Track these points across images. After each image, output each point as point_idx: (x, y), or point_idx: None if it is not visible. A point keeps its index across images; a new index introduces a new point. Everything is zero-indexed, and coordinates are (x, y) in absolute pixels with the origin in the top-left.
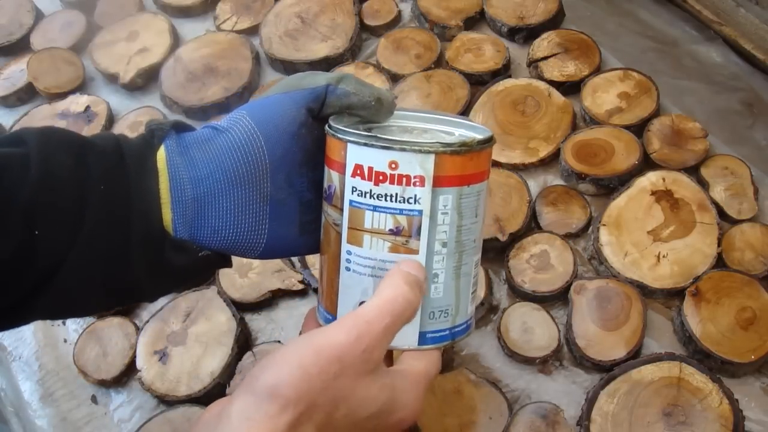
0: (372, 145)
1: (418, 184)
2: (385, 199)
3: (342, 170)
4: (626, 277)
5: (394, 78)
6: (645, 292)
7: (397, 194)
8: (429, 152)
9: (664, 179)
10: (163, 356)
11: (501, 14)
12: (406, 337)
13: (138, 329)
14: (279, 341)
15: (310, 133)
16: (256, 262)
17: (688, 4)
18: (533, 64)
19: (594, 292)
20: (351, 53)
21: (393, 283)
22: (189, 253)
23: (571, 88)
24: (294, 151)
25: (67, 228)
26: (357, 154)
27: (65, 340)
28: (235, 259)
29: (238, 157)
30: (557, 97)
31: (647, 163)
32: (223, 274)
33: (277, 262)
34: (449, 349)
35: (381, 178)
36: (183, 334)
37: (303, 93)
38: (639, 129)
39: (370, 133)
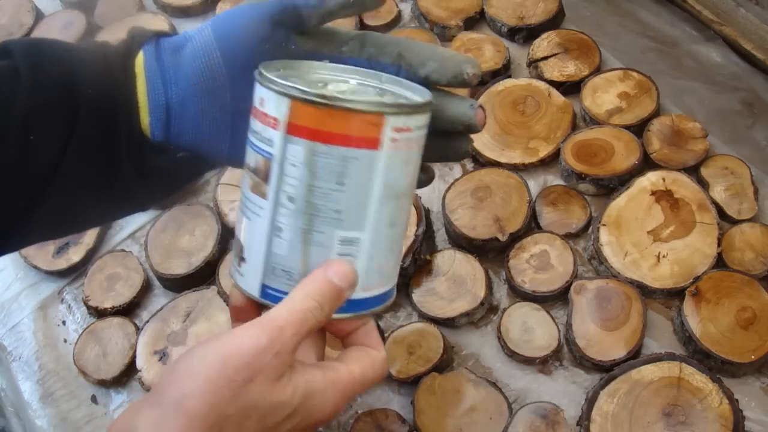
0: (257, 81)
1: (272, 125)
2: (255, 136)
3: None
4: (626, 277)
5: None
6: (645, 292)
7: (260, 132)
8: (284, 95)
9: (664, 179)
10: (163, 356)
11: (501, 14)
12: (248, 281)
13: (138, 329)
14: None
15: (277, 47)
16: None
17: (688, 4)
18: (533, 64)
19: (594, 292)
20: None
21: (307, 293)
22: (168, 155)
23: (571, 88)
24: (256, 63)
25: (60, 132)
26: (256, 89)
27: (65, 340)
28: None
29: (196, 66)
30: (557, 97)
31: (647, 163)
32: (223, 274)
33: None
34: (449, 349)
35: (255, 113)
36: (183, 334)
37: (268, 6)
38: (639, 129)
39: (260, 70)
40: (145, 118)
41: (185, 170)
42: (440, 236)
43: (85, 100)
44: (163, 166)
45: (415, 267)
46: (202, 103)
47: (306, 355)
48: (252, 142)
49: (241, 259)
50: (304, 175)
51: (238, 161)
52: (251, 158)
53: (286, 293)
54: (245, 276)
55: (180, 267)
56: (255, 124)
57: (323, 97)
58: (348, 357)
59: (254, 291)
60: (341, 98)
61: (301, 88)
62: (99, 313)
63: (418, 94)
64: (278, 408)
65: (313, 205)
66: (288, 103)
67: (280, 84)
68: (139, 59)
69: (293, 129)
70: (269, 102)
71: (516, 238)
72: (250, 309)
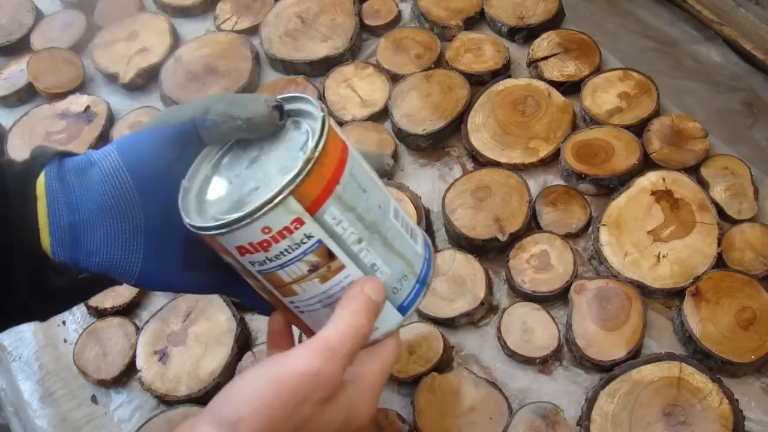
0: (237, 228)
1: (298, 226)
2: (284, 255)
3: (230, 255)
4: (626, 277)
5: (394, 78)
6: (645, 292)
7: (289, 246)
8: (285, 198)
9: (664, 179)
10: (163, 356)
11: (501, 14)
12: (389, 320)
13: (138, 329)
14: None
15: (179, 163)
16: None
17: (688, 4)
18: (533, 64)
19: (594, 292)
20: (351, 53)
21: (353, 311)
22: (69, 275)
23: (571, 88)
24: (169, 185)
25: None
26: (230, 240)
27: (65, 340)
28: None
29: (106, 190)
30: (557, 97)
31: (647, 163)
32: None
33: None
34: (449, 349)
35: (266, 245)
36: (183, 334)
37: (171, 128)
38: (639, 129)
39: (226, 219)
40: (45, 239)
41: (85, 289)
42: (440, 236)
43: None
44: (63, 285)
45: None
46: (113, 225)
47: None
48: (285, 262)
49: None
50: (349, 216)
51: (153, 285)
52: (300, 268)
53: (414, 285)
54: (380, 326)
55: None
56: (276, 249)
57: (308, 161)
58: (365, 357)
59: (397, 321)
60: (315, 144)
61: (290, 178)
62: (99, 313)
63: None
64: (327, 426)
65: (371, 223)
66: (293, 198)
67: (273, 196)
68: (41, 181)
69: (315, 204)
70: (276, 219)
71: (516, 238)
72: (285, 333)
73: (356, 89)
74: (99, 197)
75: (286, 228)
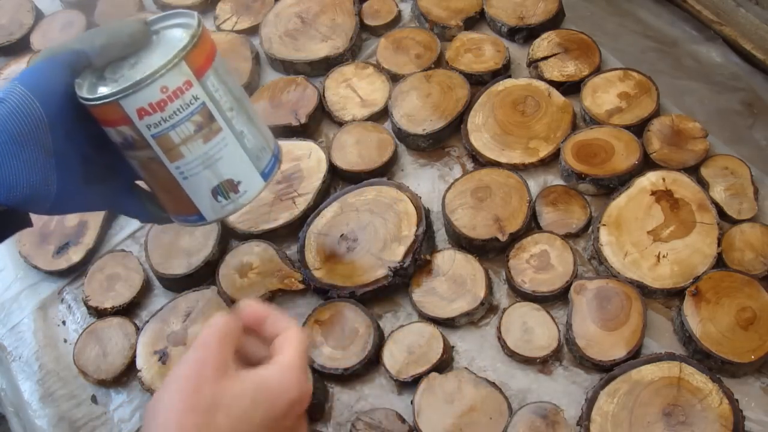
0: (140, 89)
1: (188, 88)
2: (176, 114)
3: (128, 121)
4: (626, 277)
5: (394, 78)
6: (645, 292)
7: (181, 105)
8: (179, 61)
9: (664, 179)
10: (163, 356)
11: (501, 14)
12: (255, 184)
13: (138, 329)
14: None
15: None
16: (256, 262)
17: (688, 4)
18: (533, 64)
19: (594, 292)
20: (351, 53)
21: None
22: None
23: (571, 88)
24: (69, 107)
25: None
26: (133, 102)
27: (65, 340)
28: (234, 260)
29: (17, 120)
30: (557, 97)
31: (647, 163)
32: (223, 274)
33: (277, 262)
34: (449, 349)
35: (162, 104)
36: (183, 334)
37: (66, 56)
38: (639, 129)
39: (132, 81)
40: None
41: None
42: (440, 236)
43: None
44: None
45: (415, 267)
46: (28, 153)
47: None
48: (176, 122)
49: (236, 185)
50: (223, 87)
51: (64, 207)
52: (188, 128)
53: (271, 159)
54: (248, 189)
55: (180, 267)
56: (171, 108)
57: (194, 36)
58: (279, 348)
59: (260, 185)
60: (197, 24)
61: (180, 47)
62: (99, 313)
63: (182, 18)
64: (237, 398)
65: (237, 98)
66: (185, 60)
67: (170, 59)
68: None
69: (199, 71)
70: (173, 77)
71: (516, 238)
72: None
73: (356, 89)
74: (11, 129)
75: (179, 88)
